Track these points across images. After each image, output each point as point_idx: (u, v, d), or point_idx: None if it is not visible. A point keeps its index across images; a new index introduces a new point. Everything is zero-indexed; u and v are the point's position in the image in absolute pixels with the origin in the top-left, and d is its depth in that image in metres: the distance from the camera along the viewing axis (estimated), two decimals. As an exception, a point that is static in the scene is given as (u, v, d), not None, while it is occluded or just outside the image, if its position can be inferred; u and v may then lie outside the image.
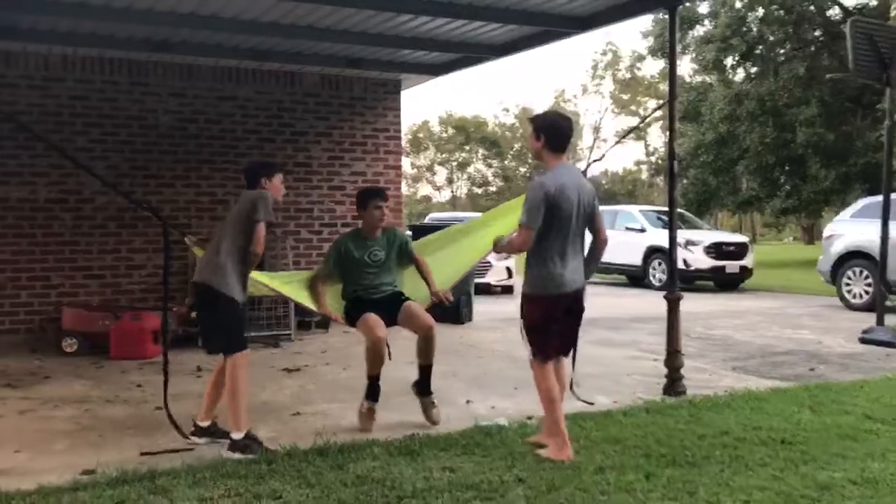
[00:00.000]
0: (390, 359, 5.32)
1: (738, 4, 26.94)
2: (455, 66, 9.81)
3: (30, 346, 8.50)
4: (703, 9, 29.18)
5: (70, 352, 8.17)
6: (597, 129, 55.63)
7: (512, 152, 54.14)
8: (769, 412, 5.54)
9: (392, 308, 5.38)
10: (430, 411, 5.33)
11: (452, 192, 56.47)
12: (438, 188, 56.64)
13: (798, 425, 5.17)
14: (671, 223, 6.57)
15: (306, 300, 5.48)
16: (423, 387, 5.38)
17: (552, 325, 4.52)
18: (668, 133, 6.44)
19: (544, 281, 4.47)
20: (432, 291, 5.51)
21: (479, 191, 54.97)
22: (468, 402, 6.02)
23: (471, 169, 55.20)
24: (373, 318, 5.20)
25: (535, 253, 4.48)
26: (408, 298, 5.49)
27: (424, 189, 54.13)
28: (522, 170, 54.84)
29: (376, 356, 5.17)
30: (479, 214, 21.24)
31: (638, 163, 55.53)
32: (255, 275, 5.06)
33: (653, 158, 50.46)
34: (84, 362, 7.77)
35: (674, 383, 6.29)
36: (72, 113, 9.15)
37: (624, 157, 72.29)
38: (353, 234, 5.60)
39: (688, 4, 22.90)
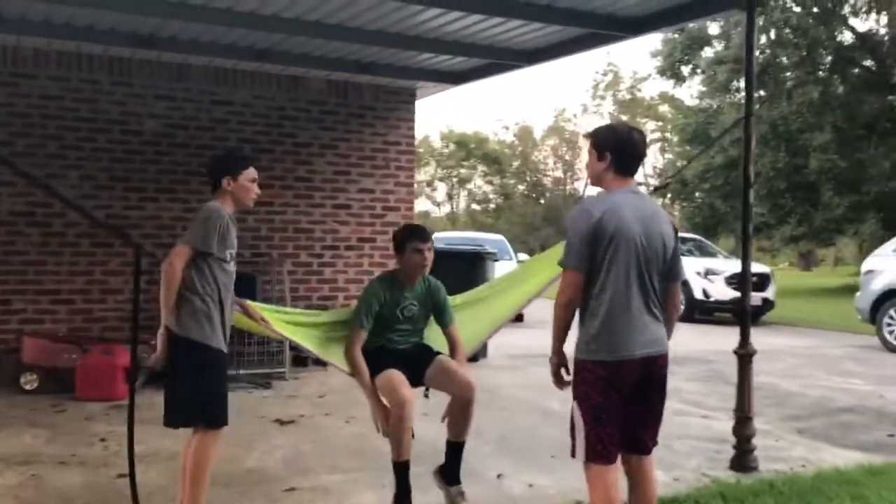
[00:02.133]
0: (413, 437, 4.13)
1: (750, 26, 26.17)
2: (477, 73, 8.77)
3: (-17, 381, 7.42)
4: (714, 30, 28.65)
5: (29, 389, 7.14)
6: (597, 150, 54.54)
7: (511, 170, 53.26)
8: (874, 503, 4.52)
9: (419, 362, 4.33)
10: None
11: (452, 208, 55.51)
12: (438, 204, 55.66)
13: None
14: (745, 260, 5.51)
15: (329, 355, 4.38)
16: (451, 473, 4.24)
17: (613, 407, 3.26)
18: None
19: (599, 342, 3.25)
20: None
21: (479, 207, 54.06)
22: (499, 476, 5.00)
23: (471, 185, 54.30)
24: (397, 376, 4.11)
25: (585, 303, 3.31)
26: (439, 352, 4.45)
27: (422, 204, 53.19)
28: (521, 188, 53.90)
29: (403, 428, 3.99)
30: (485, 235, 19.99)
31: (638, 184, 54.41)
32: (255, 306, 4.19)
33: (652, 181, 49.55)
34: (43, 403, 6.74)
35: (743, 456, 5.31)
36: (43, 114, 8.04)
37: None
38: (388, 279, 4.43)
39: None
